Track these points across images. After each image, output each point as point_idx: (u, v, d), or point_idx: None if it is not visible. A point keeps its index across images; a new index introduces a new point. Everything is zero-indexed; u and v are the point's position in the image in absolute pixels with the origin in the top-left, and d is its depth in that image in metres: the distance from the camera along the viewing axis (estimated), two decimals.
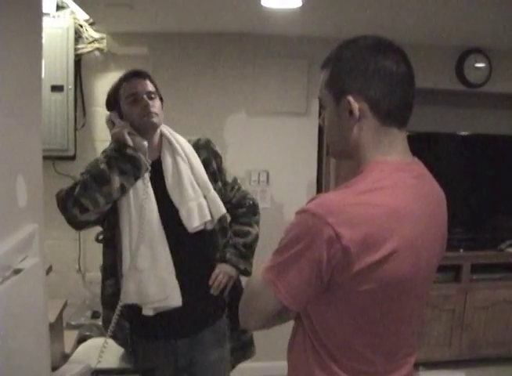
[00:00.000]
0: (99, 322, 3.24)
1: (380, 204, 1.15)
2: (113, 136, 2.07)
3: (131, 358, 2.21)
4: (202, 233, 2.08)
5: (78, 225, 2.05)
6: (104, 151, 2.12)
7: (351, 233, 1.11)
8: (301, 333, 1.32)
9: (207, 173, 2.13)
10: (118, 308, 2.01)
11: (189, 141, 2.17)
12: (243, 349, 2.28)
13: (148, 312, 2.02)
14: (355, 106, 1.20)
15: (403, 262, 1.16)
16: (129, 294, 2.01)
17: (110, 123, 2.10)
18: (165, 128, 2.15)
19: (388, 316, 1.23)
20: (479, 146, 4.02)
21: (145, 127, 2.06)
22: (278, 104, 3.63)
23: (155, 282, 1.99)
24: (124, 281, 2.02)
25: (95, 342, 2.57)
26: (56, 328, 2.54)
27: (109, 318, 2.09)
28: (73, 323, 3.25)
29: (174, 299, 2.00)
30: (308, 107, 3.65)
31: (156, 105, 2.06)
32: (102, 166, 1.98)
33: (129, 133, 2.03)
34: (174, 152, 2.10)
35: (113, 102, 2.11)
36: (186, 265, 2.06)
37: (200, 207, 2.05)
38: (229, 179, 2.24)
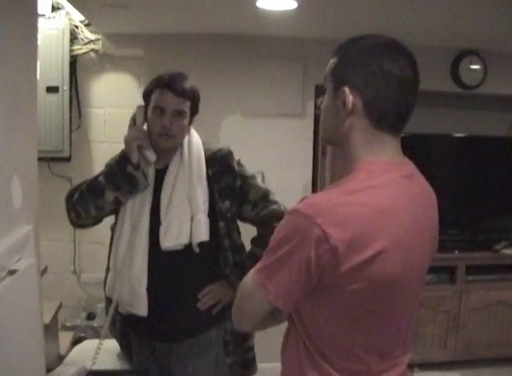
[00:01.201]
0: (95, 323, 3.25)
1: (369, 204, 1.15)
2: (124, 142, 1.99)
3: (125, 354, 2.21)
4: (187, 252, 1.99)
5: (77, 226, 2.16)
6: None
7: (340, 232, 1.11)
8: (293, 333, 1.32)
9: (213, 189, 2.03)
10: (112, 306, 2.02)
11: (207, 150, 2.07)
12: (244, 367, 2.18)
13: (122, 310, 2.06)
14: (349, 98, 1.21)
15: (392, 261, 1.16)
16: (110, 290, 2.05)
17: (133, 120, 2.03)
18: (188, 135, 2.07)
19: (379, 315, 1.24)
20: (474, 147, 4.03)
21: (158, 146, 2.00)
22: (273, 106, 3.63)
23: (127, 288, 1.99)
24: (109, 276, 2.07)
25: (91, 344, 2.57)
26: (51, 329, 2.54)
27: (107, 311, 2.11)
28: (68, 324, 3.24)
29: (140, 309, 1.99)
30: (303, 109, 3.66)
31: (179, 125, 1.98)
32: (100, 178, 1.98)
33: (139, 146, 1.95)
34: (180, 164, 2.03)
35: (147, 97, 2.03)
36: (164, 278, 2.01)
37: (180, 228, 1.96)
38: (253, 197, 2.07)
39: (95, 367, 2.09)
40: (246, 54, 3.57)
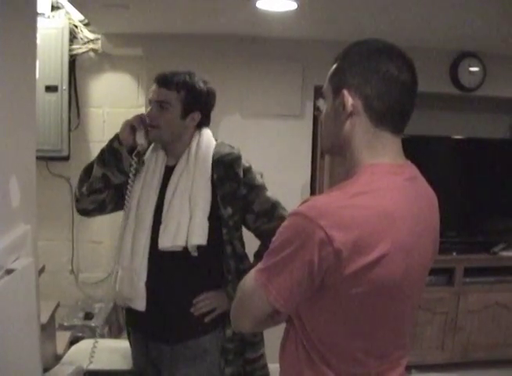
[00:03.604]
0: (92, 323, 3.24)
1: (372, 207, 1.15)
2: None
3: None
4: (185, 254, 1.96)
5: (81, 212, 2.17)
6: None
7: (343, 235, 1.11)
8: (292, 335, 1.32)
9: (216, 194, 1.99)
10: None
11: (216, 153, 2.04)
12: None
13: (119, 303, 2.09)
14: (349, 100, 1.21)
15: (395, 264, 1.16)
16: (114, 283, 2.07)
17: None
18: (199, 136, 2.07)
19: (380, 318, 1.23)
20: (473, 149, 4.03)
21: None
22: (272, 106, 3.63)
23: (127, 281, 2.00)
24: (114, 270, 2.09)
25: (88, 343, 2.57)
26: (49, 329, 2.53)
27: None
28: (65, 324, 3.24)
29: (138, 304, 1.99)
30: (302, 110, 3.65)
31: (163, 117, 2.00)
32: (95, 158, 2.07)
33: (132, 128, 2.02)
34: (186, 164, 2.02)
35: None
36: (163, 277, 2.00)
37: (177, 228, 1.94)
38: (257, 208, 2.05)
39: (92, 367, 2.09)
40: (245, 55, 3.56)
